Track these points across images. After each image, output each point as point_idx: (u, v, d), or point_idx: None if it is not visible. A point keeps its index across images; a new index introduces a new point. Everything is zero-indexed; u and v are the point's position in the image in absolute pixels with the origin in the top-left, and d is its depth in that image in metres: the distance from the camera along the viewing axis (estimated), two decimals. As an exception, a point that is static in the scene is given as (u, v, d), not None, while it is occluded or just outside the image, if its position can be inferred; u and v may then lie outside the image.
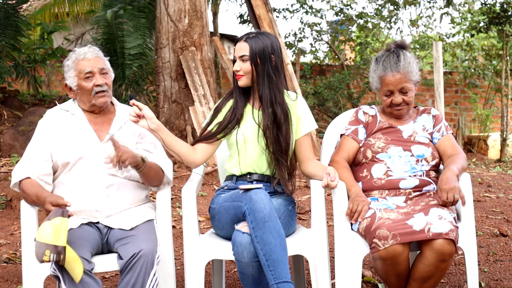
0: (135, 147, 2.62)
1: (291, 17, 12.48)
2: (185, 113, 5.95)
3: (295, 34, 11.64)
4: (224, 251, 2.50)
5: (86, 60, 2.55)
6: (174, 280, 2.57)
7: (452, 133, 2.82)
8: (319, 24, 11.67)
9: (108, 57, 2.68)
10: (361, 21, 11.37)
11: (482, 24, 10.15)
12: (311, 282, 2.57)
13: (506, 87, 9.86)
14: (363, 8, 13.54)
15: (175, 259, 2.97)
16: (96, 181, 2.52)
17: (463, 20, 11.23)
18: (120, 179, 2.55)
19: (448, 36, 11.67)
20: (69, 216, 2.29)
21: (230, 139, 2.67)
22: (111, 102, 2.68)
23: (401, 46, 2.74)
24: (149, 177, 2.56)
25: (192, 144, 2.67)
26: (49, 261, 2.18)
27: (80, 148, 2.53)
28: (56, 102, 2.85)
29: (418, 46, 11.65)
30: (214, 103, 5.55)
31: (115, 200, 2.54)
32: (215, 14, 10.60)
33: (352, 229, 2.55)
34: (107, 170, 2.53)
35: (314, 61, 12.02)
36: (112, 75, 2.63)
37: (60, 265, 2.22)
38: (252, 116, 2.64)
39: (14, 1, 7.88)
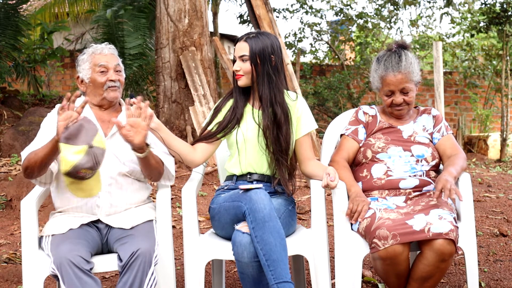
0: None
1: (291, 17, 12.50)
2: (185, 113, 5.94)
3: (295, 34, 11.64)
4: (224, 251, 2.50)
5: (103, 55, 2.61)
6: (174, 280, 2.56)
7: (452, 133, 2.82)
8: (319, 24, 11.67)
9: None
10: (361, 21, 11.37)
11: (482, 24, 10.15)
12: (311, 282, 2.57)
13: (506, 87, 9.86)
14: (363, 8, 13.50)
15: (175, 259, 2.97)
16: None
17: (463, 20, 11.23)
18: (123, 178, 2.55)
19: (448, 36, 11.66)
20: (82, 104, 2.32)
21: (230, 139, 2.67)
22: (119, 103, 2.70)
23: (402, 46, 2.74)
24: (149, 166, 2.51)
25: (192, 144, 2.67)
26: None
27: None
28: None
29: (418, 46, 11.64)
30: (214, 103, 5.54)
31: (116, 198, 2.53)
32: (215, 14, 10.60)
33: (352, 229, 2.55)
34: (112, 167, 2.53)
35: (314, 61, 12.02)
36: (124, 75, 2.67)
37: None
38: (252, 116, 2.64)
39: (14, 1, 7.88)
